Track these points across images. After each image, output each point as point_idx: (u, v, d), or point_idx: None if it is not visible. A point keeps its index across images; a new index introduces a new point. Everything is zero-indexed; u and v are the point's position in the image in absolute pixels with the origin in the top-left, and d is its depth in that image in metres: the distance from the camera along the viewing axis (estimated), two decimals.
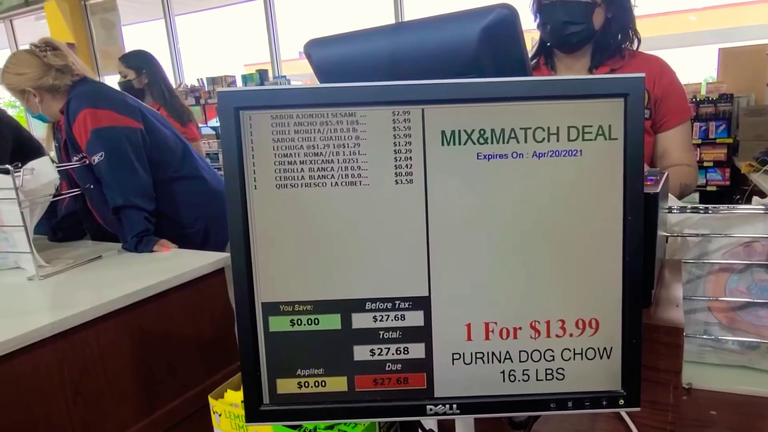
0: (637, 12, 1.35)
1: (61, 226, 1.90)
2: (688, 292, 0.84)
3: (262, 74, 5.28)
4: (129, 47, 5.92)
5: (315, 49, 0.80)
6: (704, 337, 0.84)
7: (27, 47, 1.68)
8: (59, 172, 1.55)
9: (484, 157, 0.52)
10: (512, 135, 0.51)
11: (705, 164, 4.12)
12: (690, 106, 1.37)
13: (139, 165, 1.66)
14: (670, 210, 0.82)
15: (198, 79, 5.49)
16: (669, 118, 1.31)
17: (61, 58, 1.65)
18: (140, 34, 6.78)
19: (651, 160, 1.37)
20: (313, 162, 0.52)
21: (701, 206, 0.81)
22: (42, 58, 1.63)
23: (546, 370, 0.56)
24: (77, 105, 1.62)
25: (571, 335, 0.55)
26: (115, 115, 1.64)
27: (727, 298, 0.82)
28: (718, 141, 4.07)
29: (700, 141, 4.09)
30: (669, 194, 0.87)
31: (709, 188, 4.14)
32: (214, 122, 5.45)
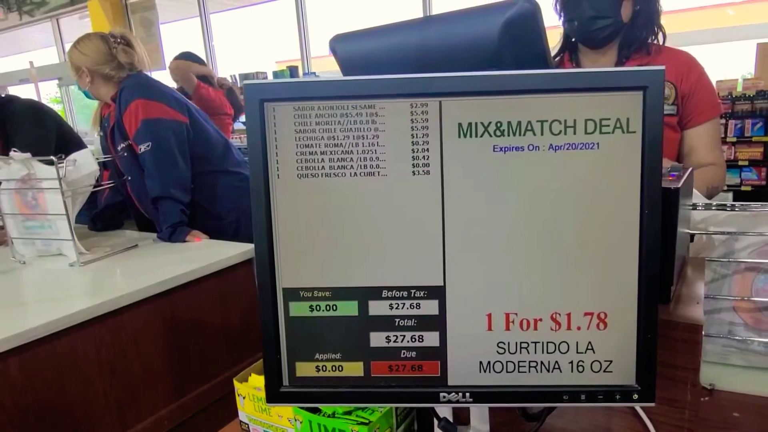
0: (673, 6, 1.33)
1: (101, 217, 1.99)
2: (712, 291, 0.82)
3: (293, 71, 5.36)
4: (166, 45, 6.10)
5: (340, 44, 0.82)
6: (729, 337, 0.83)
7: (102, 33, 1.78)
8: (105, 161, 1.62)
9: (500, 149, 0.53)
10: (529, 127, 0.52)
11: (740, 163, 3.97)
12: (719, 102, 1.33)
13: (181, 158, 1.73)
14: (694, 207, 0.81)
15: (231, 76, 5.60)
16: (696, 114, 1.28)
17: (129, 56, 1.75)
18: (177, 32, 6.97)
19: (677, 157, 1.34)
20: (333, 153, 0.54)
21: (728, 203, 0.79)
22: (111, 48, 1.73)
23: (560, 362, 0.56)
24: (130, 94, 1.70)
25: (587, 328, 0.55)
26: (165, 107, 1.71)
27: (753, 298, 0.80)
28: (754, 139, 3.92)
29: (735, 139, 3.94)
30: (695, 192, 0.86)
31: (743, 188, 4.00)
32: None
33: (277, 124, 0.54)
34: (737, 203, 0.80)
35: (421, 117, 0.53)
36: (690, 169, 0.75)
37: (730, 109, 3.91)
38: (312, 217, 0.55)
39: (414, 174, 0.54)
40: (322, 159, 0.54)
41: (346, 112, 0.53)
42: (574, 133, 0.52)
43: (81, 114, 6.72)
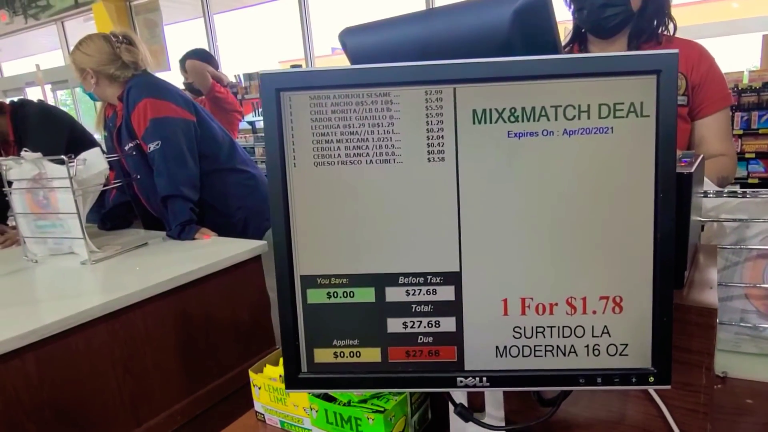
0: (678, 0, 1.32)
1: (110, 216, 2.01)
2: (724, 279, 0.82)
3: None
4: (170, 46, 6.12)
5: (350, 37, 0.82)
6: (741, 324, 0.83)
7: (104, 33, 1.79)
8: (110, 161, 1.64)
9: (515, 135, 0.53)
10: (543, 113, 0.52)
11: (747, 155, 3.95)
12: (730, 93, 1.32)
13: (190, 156, 1.74)
14: (705, 194, 0.81)
15: (235, 75, 5.62)
16: (707, 104, 1.28)
17: (132, 54, 1.76)
18: (181, 33, 6.99)
19: (688, 148, 1.33)
20: (348, 141, 0.54)
21: (739, 190, 0.79)
22: (115, 48, 1.74)
23: (576, 346, 0.57)
24: (138, 94, 1.71)
25: (603, 312, 0.56)
26: (173, 106, 1.72)
27: (765, 285, 0.80)
28: (760, 131, 3.90)
29: (741, 131, 3.93)
30: (706, 180, 0.86)
31: (750, 180, 3.98)
32: (251, 117, 5.57)
33: (294, 113, 0.54)
34: (748, 190, 0.80)
35: (435, 104, 0.53)
36: (701, 156, 0.75)
37: (736, 101, 3.89)
38: (329, 205, 0.56)
39: (429, 161, 0.54)
40: (338, 147, 0.55)
41: (361, 100, 0.54)
42: (588, 118, 0.52)
43: (87, 116, 6.75)
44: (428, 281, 0.56)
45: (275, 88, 0.54)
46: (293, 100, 0.54)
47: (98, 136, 2.38)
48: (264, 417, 0.84)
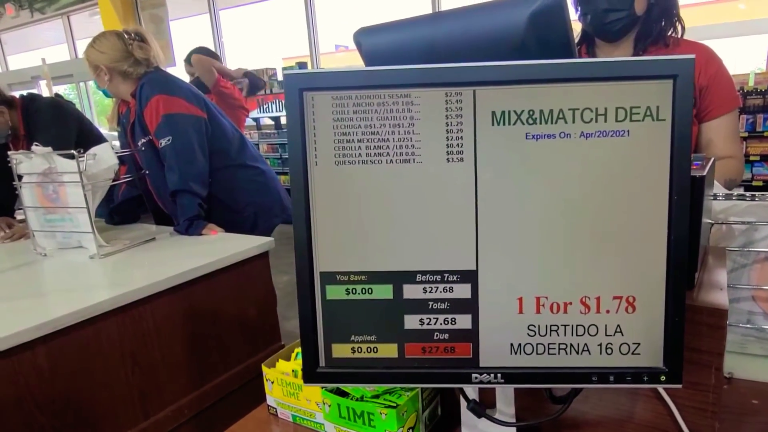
0: (684, 0, 1.33)
1: (118, 210, 2.02)
2: (732, 281, 0.83)
3: (302, 67, 5.38)
4: (176, 41, 6.13)
5: (365, 38, 0.83)
6: (747, 326, 0.84)
7: (117, 31, 1.81)
8: (121, 156, 1.65)
9: (533, 137, 0.54)
10: (560, 116, 0.53)
11: (752, 158, 3.97)
12: (738, 95, 1.33)
13: (200, 152, 1.76)
14: (715, 197, 0.82)
15: None
16: (714, 107, 1.28)
17: (145, 51, 1.77)
18: (186, 28, 7.00)
19: (695, 150, 1.34)
20: (369, 140, 0.56)
21: (748, 193, 0.80)
22: (127, 45, 1.76)
23: (589, 344, 0.58)
24: (150, 90, 1.73)
25: (616, 311, 0.57)
26: (184, 103, 1.74)
27: None
28: (766, 134, 3.91)
29: (746, 134, 3.94)
30: (715, 182, 0.87)
31: (755, 183, 4.00)
32: (256, 113, 5.58)
33: (316, 113, 0.55)
34: (757, 193, 0.81)
35: (455, 105, 0.54)
36: (712, 159, 0.76)
37: (741, 103, 3.91)
38: (349, 203, 0.57)
39: (448, 161, 0.55)
40: (359, 147, 0.56)
41: (382, 101, 0.55)
42: (605, 121, 0.53)
43: (87, 112, 6.75)
44: (445, 279, 0.58)
45: (299, 87, 0.55)
46: (316, 99, 0.55)
47: (105, 131, 2.40)
48: (276, 411, 0.85)
